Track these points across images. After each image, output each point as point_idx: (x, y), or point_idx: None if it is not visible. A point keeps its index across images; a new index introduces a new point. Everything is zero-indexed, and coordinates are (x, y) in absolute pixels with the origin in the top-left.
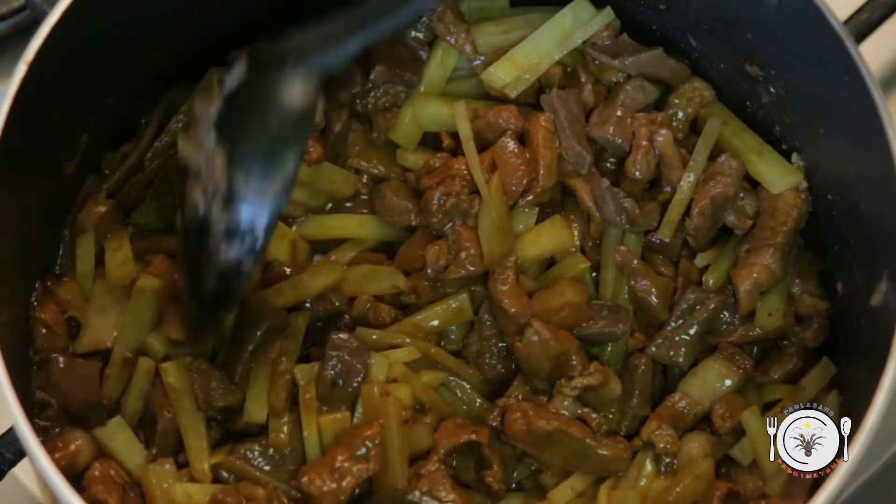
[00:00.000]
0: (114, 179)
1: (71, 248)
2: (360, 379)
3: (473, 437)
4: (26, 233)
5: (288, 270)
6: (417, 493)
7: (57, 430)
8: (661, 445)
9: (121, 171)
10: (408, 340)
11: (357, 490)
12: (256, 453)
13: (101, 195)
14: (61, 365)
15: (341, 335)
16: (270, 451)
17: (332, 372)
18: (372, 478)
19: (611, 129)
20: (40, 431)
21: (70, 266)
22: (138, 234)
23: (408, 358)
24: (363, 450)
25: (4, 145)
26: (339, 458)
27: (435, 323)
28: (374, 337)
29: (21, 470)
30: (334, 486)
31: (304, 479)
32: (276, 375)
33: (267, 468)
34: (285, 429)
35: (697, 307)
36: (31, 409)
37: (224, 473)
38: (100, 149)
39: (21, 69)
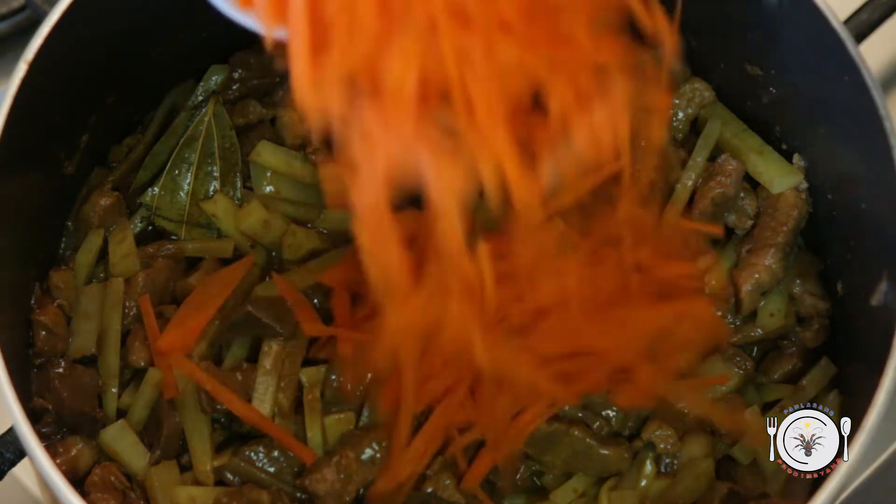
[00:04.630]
0: (119, 172)
1: (74, 238)
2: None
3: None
4: (25, 233)
5: None
6: (424, 494)
7: (58, 436)
8: (662, 446)
9: (126, 164)
10: None
11: (362, 490)
12: (261, 455)
13: (107, 187)
14: (61, 370)
15: None
16: (275, 452)
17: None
18: (377, 478)
19: None
20: (41, 438)
21: (71, 256)
22: (146, 219)
23: None
24: (370, 452)
25: (4, 145)
26: (345, 459)
27: None
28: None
29: (21, 470)
30: (339, 486)
31: (310, 478)
32: (281, 377)
33: (271, 470)
34: (291, 430)
35: None
36: (31, 415)
37: (228, 475)
38: (100, 148)
39: (21, 69)
